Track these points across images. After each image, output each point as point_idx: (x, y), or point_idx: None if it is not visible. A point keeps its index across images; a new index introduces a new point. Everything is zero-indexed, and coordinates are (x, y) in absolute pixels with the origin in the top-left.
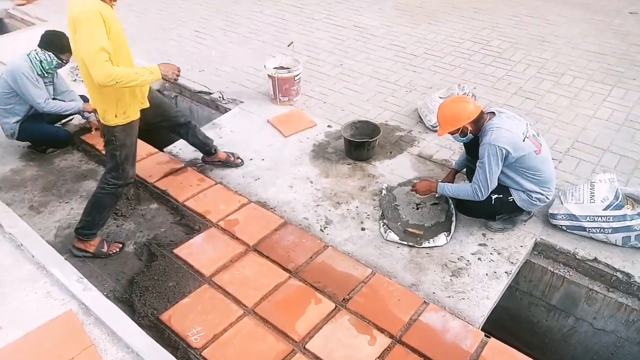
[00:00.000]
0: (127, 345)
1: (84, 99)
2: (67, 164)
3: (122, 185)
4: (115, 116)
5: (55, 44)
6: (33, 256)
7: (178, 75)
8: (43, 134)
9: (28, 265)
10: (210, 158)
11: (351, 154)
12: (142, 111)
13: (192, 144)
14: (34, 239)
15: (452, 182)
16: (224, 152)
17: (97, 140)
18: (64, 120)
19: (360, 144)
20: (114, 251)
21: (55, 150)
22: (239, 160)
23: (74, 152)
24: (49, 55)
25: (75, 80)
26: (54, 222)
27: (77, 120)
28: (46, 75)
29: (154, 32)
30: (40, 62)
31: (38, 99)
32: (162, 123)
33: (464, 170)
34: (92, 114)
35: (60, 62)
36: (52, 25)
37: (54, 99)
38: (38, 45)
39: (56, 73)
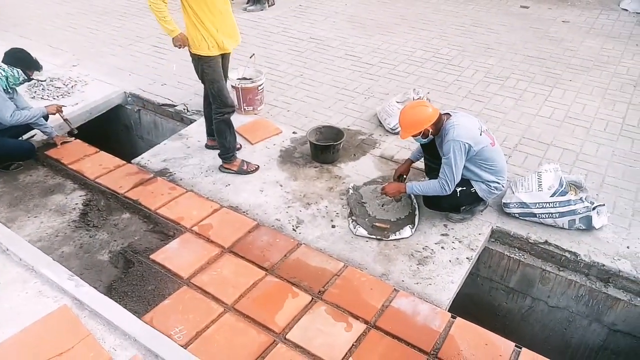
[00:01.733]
0: (124, 333)
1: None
2: (32, 179)
3: (227, 112)
4: (208, 48)
5: (23, 59)
6: (20, 259)
7: (182, 45)
8: (7, 148)
9: (16, 268)
10: (212, 141)
11: (317, 158)
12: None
13: (207, 116)
14: (19, 243)
15: (408, 171)
16: None
17: (62, 155)
18: (25, 136)
19: (326, 147)
20: (252, 169)
21: (19, 166)
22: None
23: (39, 167)
24: (17, 72)
25: (34, 97)
26: (24, 236)
27: (40, 136)
28: (9, 91)
29: (111, 47)
30: (7, 78)
31: (6, 111)
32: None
33: (420, 161)
34: (57, 114)
35: (26, 77)
36: (3, 43)
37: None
38: (3, 61)
39: (16, 90)
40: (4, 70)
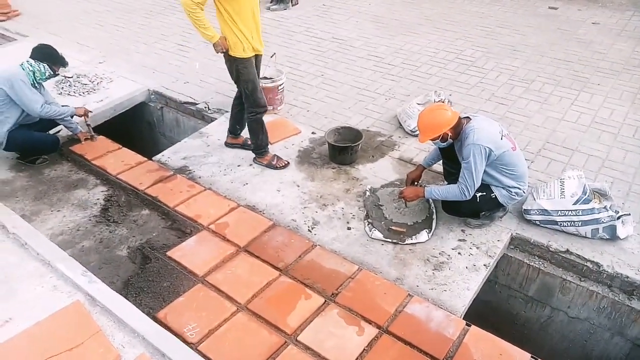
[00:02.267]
0: (132, 330)
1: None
2: (57, 174)
3: (259, 112)
4: (243, 50)
5: (49, 55)
6: (38, 254)
7: (222, 50)
8: (32, 141)
9: (34, 262)
10: (233, 138)
11: (335, 159)
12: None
13: (235, 116)
14: (38, 237)
15: (420, 177)
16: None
17: (86, 150)
18: (51, 131)
19: (344, 149)
20: (281, 165)
21: (45, 160)
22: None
23: (63, 162)
24: (43, 66)
25: (61, 93)
26: (47, 229)
27: (65, 132)
28: (36, 86)
29: (137, 45)
30: (34, 72)
31: (36, 103)
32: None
33: (438, 164)
34: (77, 126)
35: (52, 73)
36: (33, 40)
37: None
38: (30, 57)
39: (43, 85)
40: (31, 65)
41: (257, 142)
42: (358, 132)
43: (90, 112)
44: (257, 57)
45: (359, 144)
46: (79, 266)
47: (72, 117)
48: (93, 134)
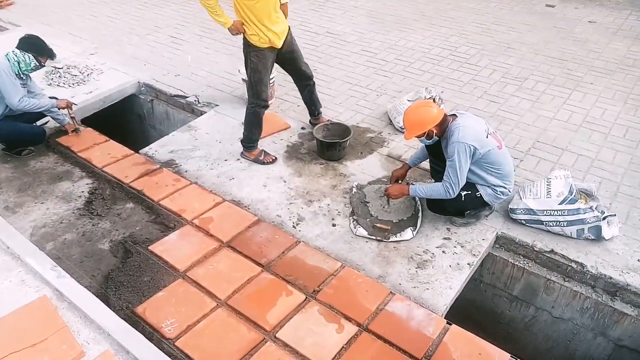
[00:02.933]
0: (98, 327)
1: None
2: (42, 166)
3: (258, 105)
4: (259, 39)
5: (36, 46)
6: (8, 247)
7: (238, 32)
8: (18, 132)
9: (3, 256)
10: (314, 119)
11: (323, 154)
12: (278, 53)
13: (303, 99)
14: (9, 231)
15: (404, 176)
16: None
17: (72, 142)
18: (39, 122)
19: (332, 145)
20: (268, 161)
21: (31, 152)
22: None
23: (49, 154)
24: (28, 57)
25: (50, 84)
26: (30, 222)
27: (52, 123)
28: (22, 77)
29: (129, 37)
30: (18, 62)
31: (15, 96)
32: (289, 64)
33: (426, 162)
34: (63, 116)
35: (37, 64)
36: (26, 29)
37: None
38: (17, 47)
39: (29, 76)
40: (16, 56)
41: (249, 135)
42: (347, 128)
43: (75, 104)
44: (282, 53)
45: (347, 140)
46: (48, 261)
47: (41, 114)
48: (78, 126)
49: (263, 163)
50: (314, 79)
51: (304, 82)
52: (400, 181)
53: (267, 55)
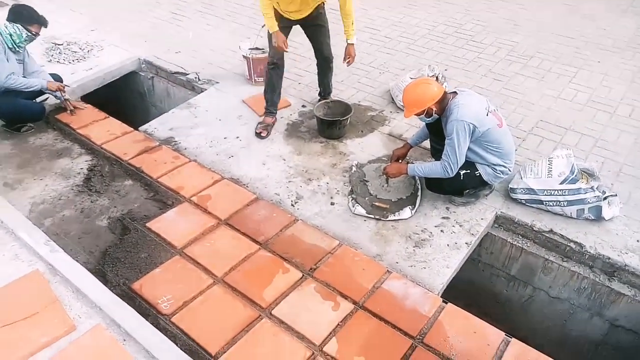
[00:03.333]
0: (91, 302)
1: (58, 77)
2: (42, 142)
3: (269, 64)
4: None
5: (23, 15)
6: (2, 222)
7: (283, 50)
8: (18, 108)
9: None
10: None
11: (323, 133)
12: (303, 25)
13: (318, 79)
14: (4, 206)
15: (405, 155)
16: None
17: (72, 119)
18: (38, 99)
19: (332, 123)
20: (259, 132)
21: (30, 128)
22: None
23: (49, 130)
24: (17, 28)
25: (50, 60)
26: (29, 198)
27: (52, 100)
28: (18, 49)
29: (130, 13)
30: (10, 35)
31: (2, 73)
32: (310, 38)
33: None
34: (58, 92)
35: (29, 34)
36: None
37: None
38: (6, 19)
39: (27, 52)
40: (6, 28)
41: (264, 95)
42: (348, 106)
43: (67, 86)
44: (306, 26)
45: (347, 119)
46: (42, 235)
47: (41, 91)
48: (72, 108)
49: (256, 133)
50: (332, 64)
51: (320, 60)
52: (400, 160)
53: (276, 37)
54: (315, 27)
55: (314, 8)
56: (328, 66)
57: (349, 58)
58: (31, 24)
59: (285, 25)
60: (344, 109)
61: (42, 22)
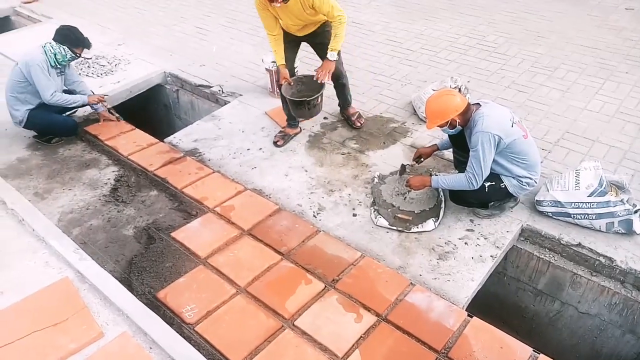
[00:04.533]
0: (118, 309)
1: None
2: (70, 154)
3: (277, 81)
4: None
5: (70, 38)
6: (33, 230)
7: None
8: (51, 122)
9: (28, 238)
10: (343, 111)
11: (295, 112)
12: (308, 40)
13: (336, 93)
14: (35, 214)
15: (429, 155)
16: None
17: (100, 131)
18: (69, 112)
19: (300, 103)
20: (276, 141)
21: (60, 140)
22: (358, 124)
23: (78, 142)
24: (63, 49)
25: (80, 74)
26: (58, 207)
27: (81, 112)
28: (59, 67)
29: (156, 28)
30: (55, 54)
31: (47, 90)
32: (320, 58)
33: (450, 151)
34: (99, 104)
35: (73, 55)
36: (57, 21)
37: (64, 91)
38: (53, 39)
39: (68, 65)
40: (52, 48)
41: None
42: (320, 85)
43: (107, 95)
44: (310, 41)
45: (317, 97)
46: (71, 243)
47: (82, 106)
48: (117, 115)
49: (274, 142)
50: (344, 81)
51: (331, 78)
52: (422, 159)
53: (288, 35)
54: (321, 44)
55: (317, 26)
56: (338, 83)
57: (321, 72)
58: (77, 46)
59: (291, 39)
60: (319, 86)
61: (86, 45)
